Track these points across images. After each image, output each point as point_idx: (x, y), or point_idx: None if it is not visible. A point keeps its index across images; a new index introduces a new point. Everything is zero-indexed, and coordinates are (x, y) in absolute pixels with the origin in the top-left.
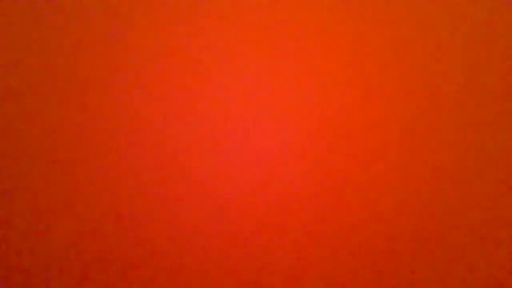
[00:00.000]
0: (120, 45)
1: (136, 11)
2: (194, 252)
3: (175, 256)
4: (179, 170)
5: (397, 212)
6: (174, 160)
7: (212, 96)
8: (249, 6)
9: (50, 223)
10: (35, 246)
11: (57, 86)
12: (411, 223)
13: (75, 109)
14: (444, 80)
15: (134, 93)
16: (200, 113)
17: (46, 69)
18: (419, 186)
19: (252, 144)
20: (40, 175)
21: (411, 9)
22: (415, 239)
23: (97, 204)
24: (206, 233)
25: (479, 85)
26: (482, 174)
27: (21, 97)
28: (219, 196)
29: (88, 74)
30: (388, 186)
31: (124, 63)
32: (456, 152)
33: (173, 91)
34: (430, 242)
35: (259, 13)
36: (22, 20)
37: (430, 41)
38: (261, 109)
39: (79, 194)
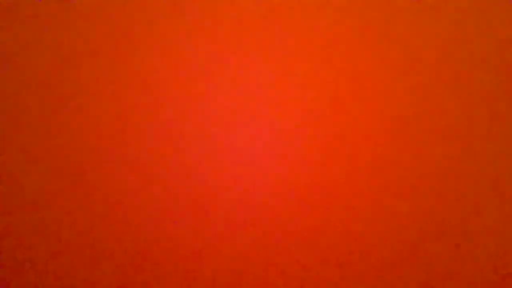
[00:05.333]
0: (120, 45)
1: (137, 10)
2: (194, 252)
3: (175, 256)
4: (179, 170)
5: (398, 213)
6: (174, 159)
7: (212, 96)
8: (250, 6)
9: (50, 223)
10: (35, 245)
11: (58, 86)
12: (411, 223)
13: (76, 110)
14: (445, 79)
15: (134, 94)
16: (200, 113)
17: (48, 69)
18: (420, 185)
19: (252, 144)
20: (41, 175)
21: (411, 9)
22: (416, 239)
23: (97, 204)
24: (207, 233)
25: (479, 85)
26: (483, 173)
27: (21, 97)
28: (219, 196)
29: (88, 75)
30: (388, 186)
31: (124, 62)
32: (458, 152)
33: (173, 90)
34: (431, 242)
35: (260, 14)
36: (22, 20)
37: (430, 40)
38: (261, 109)
39: (79, 194)
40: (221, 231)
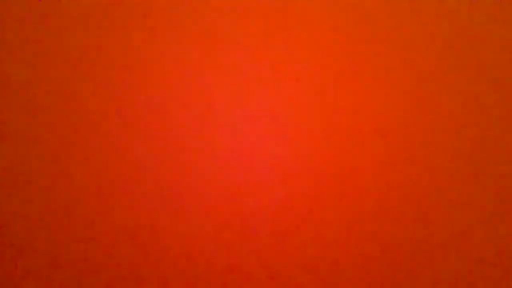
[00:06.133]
0: (120, 45)
1: (137, 11)
2: (193, 252)
3: (175, 256)
4: (179, 169)
5: (398, 213)
6: (174, 158)
7: (213, 96)
8: (251, 6)
9: (49, 224)
10: (34, 246)
11: (59, 86)
12: (411, 224)
13: (76, 109)
14: (446, 79)
15: (134, 93)
16: (201, 113)
17: (48, 68)
18: (420, 185)
19: (253, 145)
20: (40, 176)
21: (412, 10)
22: (417, 239)
23: (96, 204)
24: (207, 233)
25: (479, 85)
26: (483, 174)
27: (22, 96)
28: (219, 196)
29: (88, 74)
30: (388, 186)
31: (124, 62)
32: (457, 152)
33: (174, 90)
34: (431, 242)
35: (261, 14)
36: (22, 19)
37: (430, 41)
38: (262, 110)
39: (79, 194)
40: (221, 230)
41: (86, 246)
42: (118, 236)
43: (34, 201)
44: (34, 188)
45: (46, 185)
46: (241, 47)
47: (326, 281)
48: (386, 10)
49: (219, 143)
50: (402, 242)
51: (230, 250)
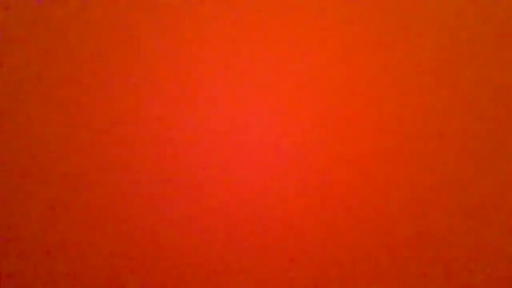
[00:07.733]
0: (120, 45)
1: (137, 10)
2: (192, 252)
3: (174, 256)
4: (179, 169)
5: (398, 214)
6: (174, 159)
7: (213, 95)
8: (251, 6)
9: (48, 223)
10: (34, 245)
11: (58, 86)
12: (412, 225)
13: (75, 109)
14: (445, 79)
15: (134, 93)
16: (201, 113)
17: (47, 68)
18: (420, 186)
19: (252, 145)
20: (39, 175)
21: (411, 9)
22: (417, 241)
23: (95, 204)
24: (206, 234)
25: (480, 85)
26: (483, 175)
27: (22, 96)
28: (219, 196)
29: (89, 73)
30: (388, 187)
31: (124, 62)
32: (457, 152)
33: (174, 90)
34: (431, 244)
35: (261, 13)
36: (23, 18)
37: (430, 41)
38: (261, 110)
39: (78, 194)
40: (222, 232)
41: (85, 245)
42: (117, 236)
43: (33, 200)
44: (33, 187)
45: (44, 183)
46: (242, 47)
47: (328, 281)
48: (388, 9)
49: (219, 143)
50: (405, 242)
51: (230, 250)
